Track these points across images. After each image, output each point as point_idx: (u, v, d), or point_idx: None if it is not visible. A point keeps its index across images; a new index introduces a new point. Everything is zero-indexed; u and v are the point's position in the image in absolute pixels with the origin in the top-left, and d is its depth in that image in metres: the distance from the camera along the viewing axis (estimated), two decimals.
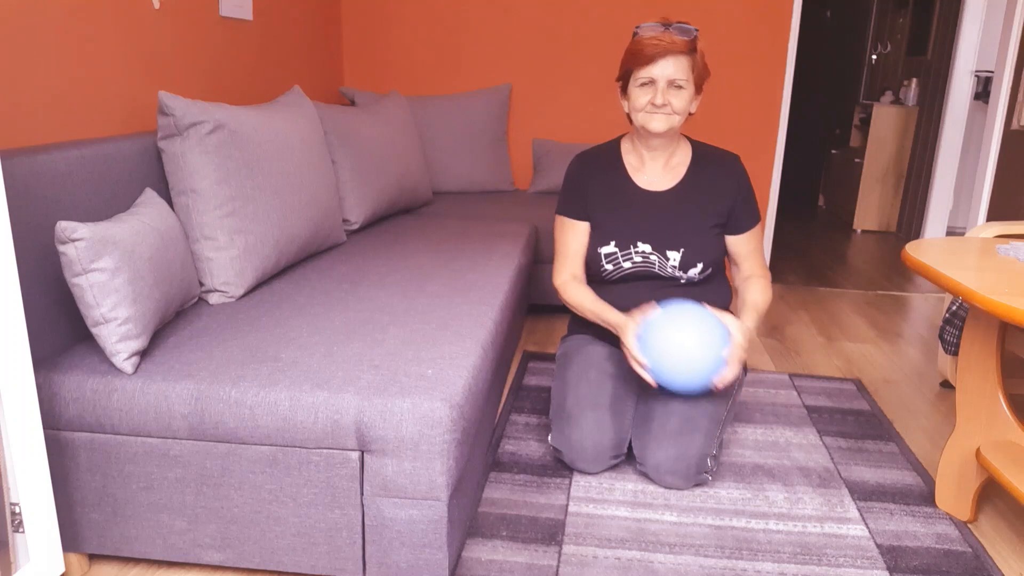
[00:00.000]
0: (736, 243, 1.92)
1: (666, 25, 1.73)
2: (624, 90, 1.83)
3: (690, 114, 1.80)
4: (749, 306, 1.86)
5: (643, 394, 1.88)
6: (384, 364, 1.43)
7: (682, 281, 1.89)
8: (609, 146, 1.95)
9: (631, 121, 1.82)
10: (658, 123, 1.77)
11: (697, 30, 1.75)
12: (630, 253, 1.87)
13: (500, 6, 3.50)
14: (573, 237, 1.94)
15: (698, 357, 1.64)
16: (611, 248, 1.89)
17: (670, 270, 1.87)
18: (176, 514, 1.41)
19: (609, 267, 1.90)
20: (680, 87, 1.74)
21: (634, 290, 1.90)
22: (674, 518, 1.69)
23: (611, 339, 1.98)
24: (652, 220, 1.87)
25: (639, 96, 1.77)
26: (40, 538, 1.27)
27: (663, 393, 1.83)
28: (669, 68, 1.72)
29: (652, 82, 1.74)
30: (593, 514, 1.70)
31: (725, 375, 1.68)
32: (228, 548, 1.42)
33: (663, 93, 1.73)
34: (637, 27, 1.77)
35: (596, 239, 1.91)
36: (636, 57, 1.74)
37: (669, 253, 1.86)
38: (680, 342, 1.64)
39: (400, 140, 2.90)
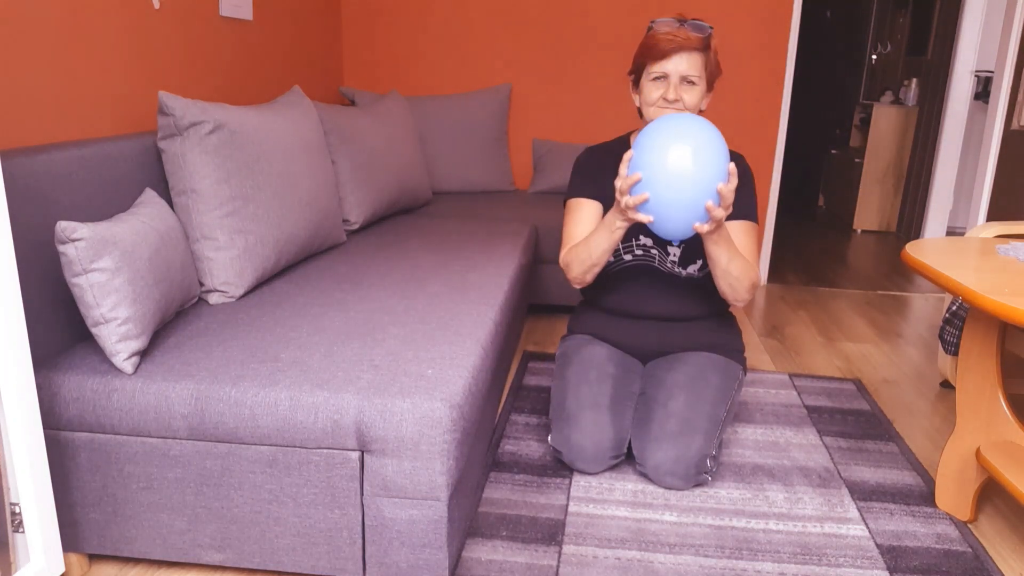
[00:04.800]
0: None
1: (681, 21, 1.74)
2: (636, 84, 1.83)
3: (701, 111, 1.80)
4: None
5: (643, 394, 1.89)
6: (384, 364, 1.43)
7: (682, 276, 1.89)
8: (618, 141, 1.95)
9: (641, 115, 1.82)
10: None
11: (712, 28, 1.75)
12: (631, 246, 1.88)
13: (500, 6, 3.50)
14: (580, 218, 1.88)
15: (692, 172, 1.45)
16: None
17: (669, 265, 1.87)
18: (176, 514, 1.41)
19: (610, 258, 1.90)
20: (692, 83, 1.74)
21: (635, 285, 1.91)
22: (674, 518, 1.69)
23: (611, 339, 1.99)
24: None
25: (651, 91, 1.76)
26: (40, 538, 1.27)
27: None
28: (682, 64, 1.72)
29: (664, 77, 1.74)
30: (593, 514, 1.70)
31: (715, 211, 1.50)
32: (228, 548, 1.42)
33: (675, 89, 1.73)
34: (652, 21, 1.77)
35: None
36: (650, 51, 1.74)
37: (669, 248, 1.86)
38: (677, 150, 1.46)
39: (400, 140, 2.90)
